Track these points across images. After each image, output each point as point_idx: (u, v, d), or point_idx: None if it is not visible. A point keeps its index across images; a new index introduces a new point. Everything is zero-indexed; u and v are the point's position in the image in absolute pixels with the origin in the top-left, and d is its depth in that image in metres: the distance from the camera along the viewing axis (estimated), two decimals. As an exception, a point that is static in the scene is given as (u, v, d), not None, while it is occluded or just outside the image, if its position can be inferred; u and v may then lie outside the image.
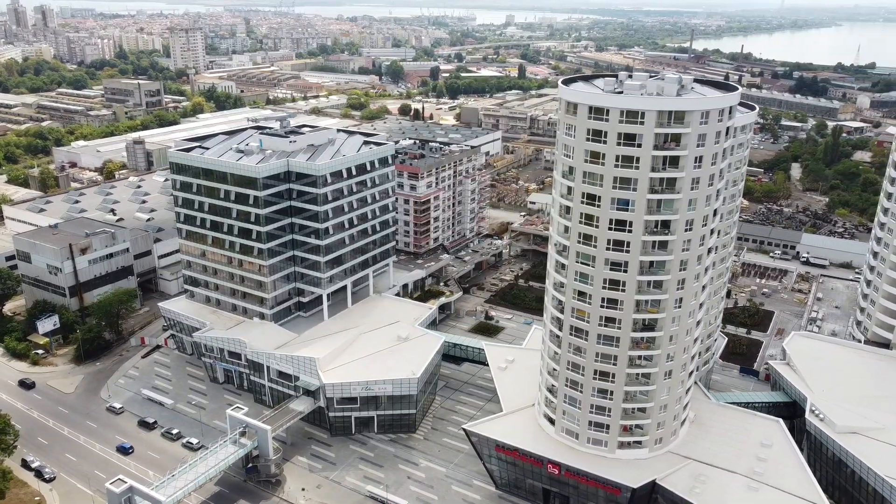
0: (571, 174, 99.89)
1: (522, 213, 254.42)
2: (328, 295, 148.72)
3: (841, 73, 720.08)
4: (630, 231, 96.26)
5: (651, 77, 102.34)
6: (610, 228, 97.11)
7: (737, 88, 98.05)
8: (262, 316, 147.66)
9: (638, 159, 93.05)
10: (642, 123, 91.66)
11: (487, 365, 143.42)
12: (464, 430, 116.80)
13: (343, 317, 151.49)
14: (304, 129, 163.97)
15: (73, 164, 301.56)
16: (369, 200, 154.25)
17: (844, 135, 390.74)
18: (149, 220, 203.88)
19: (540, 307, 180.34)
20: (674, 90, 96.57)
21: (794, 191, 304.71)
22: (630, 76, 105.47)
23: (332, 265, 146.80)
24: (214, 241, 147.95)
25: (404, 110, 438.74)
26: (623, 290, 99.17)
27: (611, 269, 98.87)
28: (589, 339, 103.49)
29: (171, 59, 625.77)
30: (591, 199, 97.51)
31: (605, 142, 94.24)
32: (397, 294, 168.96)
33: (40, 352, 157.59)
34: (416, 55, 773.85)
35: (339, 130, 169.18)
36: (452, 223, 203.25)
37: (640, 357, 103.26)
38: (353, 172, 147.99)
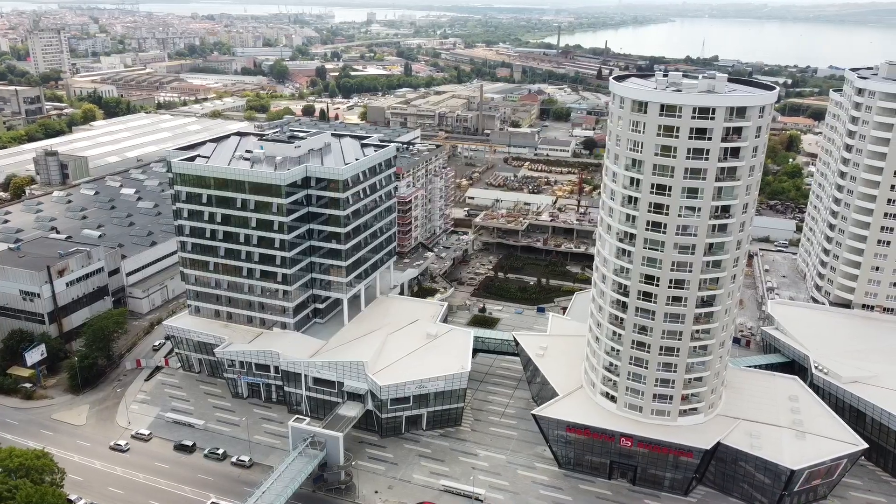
0: (636, 167, 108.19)
1: (464, 209, 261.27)
2: (347, 300, 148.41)
3: (691, 65, 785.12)
4: (699, 216, 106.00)
5: (686, 77, 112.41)
6: (679, 215, 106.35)
7: (774, 88, 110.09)
8: (283, 326, 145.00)
9: (708, 151, 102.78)
10: (713, 118, 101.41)
11: (510, 355, 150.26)
12: (533, 415, 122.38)
13: (361, 320, 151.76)
14: (301, 134, 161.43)
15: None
16: (378, 202, 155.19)
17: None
18: (100, 236, 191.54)
19: (524, 297, 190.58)
20: (724, 88, 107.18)
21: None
22: (665, 75, 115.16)
23: (351, 269, 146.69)
24: (227, 252, 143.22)
25: (308, 111, 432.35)
26: (690, 271, 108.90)
27: (679, 253, 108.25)
28: (656, 319, 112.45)
29: (30, 62, 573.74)
30: (662, 189, 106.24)
31: (677, 136, 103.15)
32: (400, 293, 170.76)
33: (28, 385, 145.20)
34: (293, 54, 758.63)
35: (332, 134, 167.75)
36: (425, 221, 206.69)
37: (699, 331, 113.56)
38: (367, 175, 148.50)
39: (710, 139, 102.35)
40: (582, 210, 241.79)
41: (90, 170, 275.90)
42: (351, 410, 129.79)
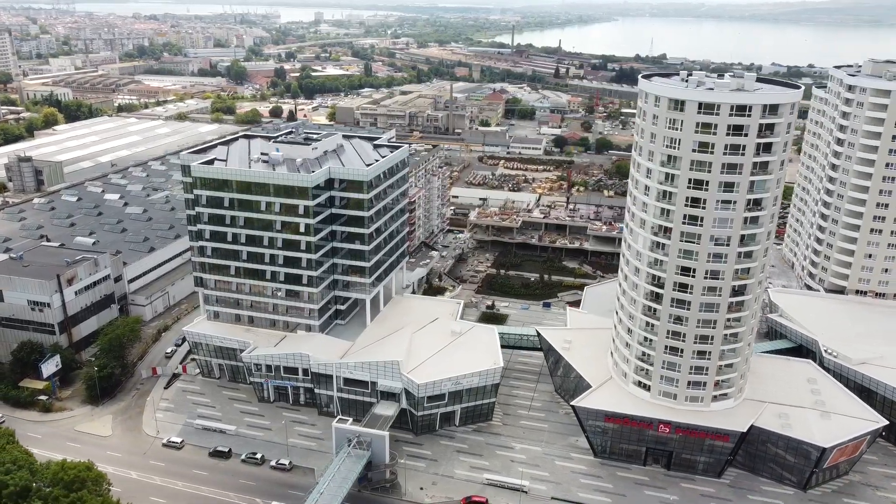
0: (672, 163, 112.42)
1: (451, 208, 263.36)
2: (370, 301, 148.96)
3: (641, 63, 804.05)
4: (734, 210, 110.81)
5: (707, 76, 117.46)
6: (716, 209, 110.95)
7: (799, 87, 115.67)
8: (308, 328, 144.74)
9: (744, 147, 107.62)
10: (749, 115, 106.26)
11: (532, 350, 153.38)
12: (573, 406, 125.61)
13: (382, 320, 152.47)
14: (314, 136, 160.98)
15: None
16: (396, 203, 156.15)
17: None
18: (94, 243, 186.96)
19: (527, 293, 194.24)
20: (752, 86, 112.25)
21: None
22: (690, 74, 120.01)
23: (373, 270, 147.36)
24: (250, 255, 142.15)
25: (275, 112, 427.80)
26: (725, 262, 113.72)
27: (715, 245, 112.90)
28: (692, 309, 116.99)
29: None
30: (699, 184, 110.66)
31: (714, 133, 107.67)
32: (412, 293, 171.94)
33: (43, 397, 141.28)
34: (247, 55, 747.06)
35: (343, 136, 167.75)
36: (425, 221, 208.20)
37: (731, 319, 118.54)
38: (387, 176, 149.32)
39: (746, 135, 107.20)
40: (571, 207, 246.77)
41: (65, 175, 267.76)
42: (387, 409, 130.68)
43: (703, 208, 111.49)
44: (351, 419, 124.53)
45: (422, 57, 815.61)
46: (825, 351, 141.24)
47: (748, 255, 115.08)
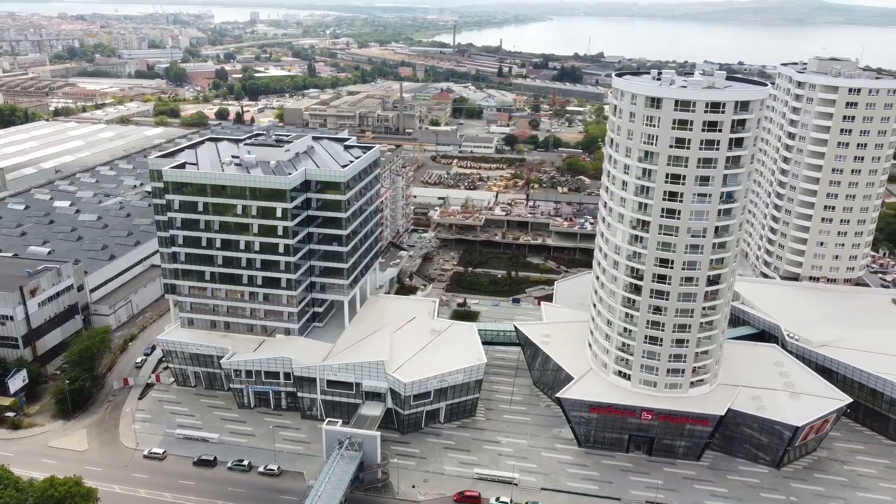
0: (649, 158, 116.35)
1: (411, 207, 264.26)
2: (348, 302, 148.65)
3: (580, 61, 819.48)
4: (710, 202, 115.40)
5: (678, 75, 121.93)
6: (693, 202, 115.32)
7: (766, 84, 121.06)
8: (287, 332, 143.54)
9: (719, 142, 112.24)
10: (723, 112, 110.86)
11: (510, 345, 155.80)
12: (557, 398, 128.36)
13: (360, 321, 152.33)
14: (285, 137, 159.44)
15: None
16: (369, 203, 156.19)
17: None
18: (49, 252, 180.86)
19: (496, 290, 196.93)
20: (722, 83, 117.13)
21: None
22: (660, 73, 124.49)
23: (351, 271, 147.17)
24: (226, 260, 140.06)
25: (222, 114, 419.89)
26: (701, 253, 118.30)
27: (692, 237, 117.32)
28: (670, 299, 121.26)
29: None
30: (676, 178, 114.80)
31: (691, 129, 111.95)
32: (386, 293, 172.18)
33: (11, 414, 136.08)
34: (184, 56, 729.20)
35: (313, 137, 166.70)
36: (391, 221, 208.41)
37: (707, 308, 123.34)
38: (361, 177, 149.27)
39: (720, 131, 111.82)
40: (531, 204, 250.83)
41: (7, 183, 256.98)
42: (373, 410, 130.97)
43: (681, 202, 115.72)
44: (340, 421, 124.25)
45: (364, 57, 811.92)
46: (788, 335, 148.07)
47: (722, 245, 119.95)
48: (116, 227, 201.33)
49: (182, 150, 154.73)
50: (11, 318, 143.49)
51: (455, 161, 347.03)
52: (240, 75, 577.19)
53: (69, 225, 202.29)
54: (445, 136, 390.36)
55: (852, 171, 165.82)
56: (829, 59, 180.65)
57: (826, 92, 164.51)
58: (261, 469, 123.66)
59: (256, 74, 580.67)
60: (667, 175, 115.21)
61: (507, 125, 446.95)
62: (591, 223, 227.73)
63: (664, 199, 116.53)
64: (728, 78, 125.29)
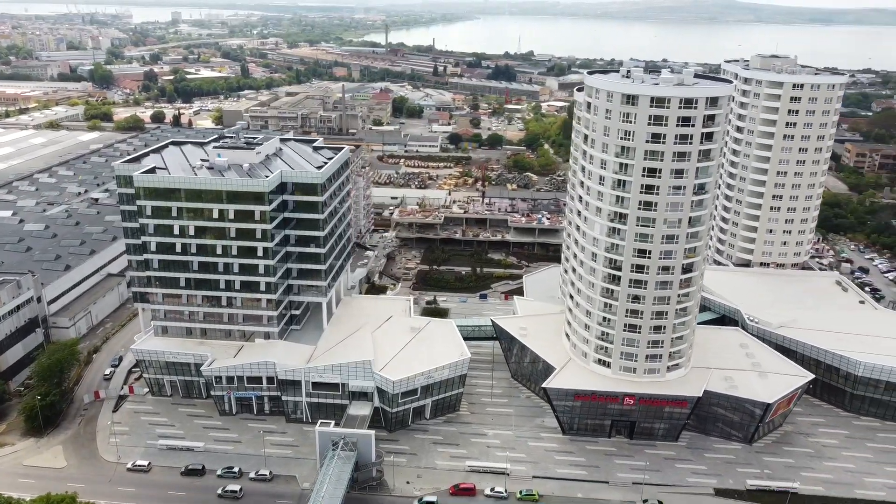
0: (626, 153, 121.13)
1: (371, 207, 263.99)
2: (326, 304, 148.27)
3: (511, 60, 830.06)
4: (684, 194, 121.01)
5: (646, 73, 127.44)
6: (668, 194, 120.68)
7: (731, 81, 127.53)
8: (266, 335, 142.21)
9: (692, 136, 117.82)
10: (695, 108, 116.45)
11: (487, 340, 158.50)
12: (544, 388, 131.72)
13: (337, 322, 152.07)
14: (253, 140, 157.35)
15: None
16: (342, 204, 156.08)
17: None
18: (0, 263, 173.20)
19: (462, 286, 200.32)
20: (691, 80, 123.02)
21: (557, 161, 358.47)
22: (628, 71, 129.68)
23: (328, 272, 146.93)
24: (202, 266, 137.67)
25: (158, 117, 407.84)
26: (676, 243, 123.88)
27: (668, 227, 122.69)
28: (648, 288, 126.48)
29: None
30: (653, 172, 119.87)
31: (665, 124, 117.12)
32: (358, 293, 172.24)
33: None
34: (108, 58, 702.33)
35: (281, 139, 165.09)
36: (355, 221, 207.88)
37: (681, 295, 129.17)
38: (335, 177, 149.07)
39: (693, 125, 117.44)
40: (487, 201, 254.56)
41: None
42: (362, 409, 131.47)
43: (657, 194, 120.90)
44: (332, 422, 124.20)
45: (295, 57, 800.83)
46: (748, 318, 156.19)
47: (695, 235, 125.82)
48: (67, 236, 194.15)
49: (147, 154, 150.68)
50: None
51: (402, 160, 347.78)
52: (170, 77, 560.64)
53: (15, 235, 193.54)
54: (390, 135, 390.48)
55: (797, 161, 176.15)
56: (771, 56, 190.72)
57: (771, 87, 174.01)
58: (252, 475, 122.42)
59: (188, 76, 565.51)
60: (644, 169, 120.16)
61: (449, 124, 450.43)
62: (548, 218, 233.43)
63: (641, 192, 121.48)
64: (697, 76, 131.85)
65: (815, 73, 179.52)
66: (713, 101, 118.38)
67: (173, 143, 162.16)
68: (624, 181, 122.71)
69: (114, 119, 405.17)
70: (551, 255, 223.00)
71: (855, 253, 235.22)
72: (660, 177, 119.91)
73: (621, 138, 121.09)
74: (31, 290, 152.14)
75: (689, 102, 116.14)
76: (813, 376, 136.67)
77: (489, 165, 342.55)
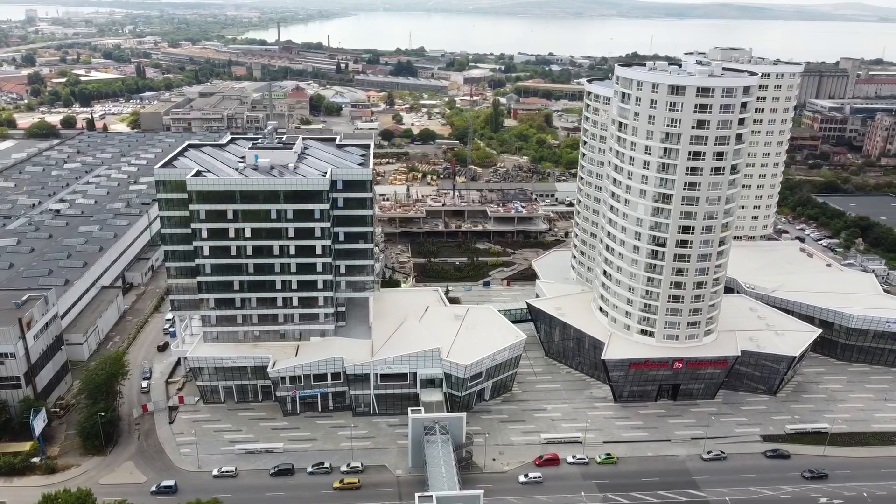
0: (671, 140, 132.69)
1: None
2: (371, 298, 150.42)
3: (405, 55, 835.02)
4: (723, 174, 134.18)
5: (672, 65, 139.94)
6: (710, 175, 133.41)
7: (756, 73, 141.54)
8: (322, 334, 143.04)
9: (730, 122, 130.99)
10: (734, 96, 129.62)
11: (523, 322, 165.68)
12: (603, 360, 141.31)
13: (380, 316, 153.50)
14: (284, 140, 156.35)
15: None
16: (374, 200, 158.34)
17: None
18: None
19: (461, 276, 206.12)
20: (720, 71, 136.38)
21: (492, 154, 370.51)
22: (655, 65, 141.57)
23: (373, 267, 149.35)
24: (257, 268, 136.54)
25: (69, 123, 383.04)
26: (715, 219, 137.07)
27: (709, 205, 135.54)
28: (691, 261, 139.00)
29: None
30: (697, 155, 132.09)
31: (710, 112, 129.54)
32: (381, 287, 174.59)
33: (36, 459, 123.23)
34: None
35: (304, 138, 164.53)
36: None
37: (717, 266, 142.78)
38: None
39: (732, 112, 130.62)
40: (459, 193, 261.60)
41: None
42: (433, 396, 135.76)
43: (701, 175, 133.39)
44: (422, 409, 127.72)
45: (184, 56, 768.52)
46: (745, 285, 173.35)
47: (728, 212, 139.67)
48: (49, 250, 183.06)
49: (175, 158, 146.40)
50: (13, 354, 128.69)
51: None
52: (61, 80, 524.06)
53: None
54: (322, 134, 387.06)
55: (764, 143, 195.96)
56: (728, 48, 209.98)
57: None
58: (344, 468, 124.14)
59: (83, 79, 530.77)
60: (689, 153, 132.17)
61: (372, 120, 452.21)
62: (524, 206, 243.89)
63: (687, 174, 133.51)
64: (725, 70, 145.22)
65: (774, 64, 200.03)
66: (746, 90, 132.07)
67: (191, 146, 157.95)
68: (669, 165, 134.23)
69: (17, 126, 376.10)
70: (531, 241, 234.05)
71: (786, 225, 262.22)
72: (703, 159, 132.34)
73: (668, 126, 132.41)
74: (55, 307, 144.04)
75: (729, 91, 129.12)
76: (820, 331, 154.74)
77: (431, 160, 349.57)
